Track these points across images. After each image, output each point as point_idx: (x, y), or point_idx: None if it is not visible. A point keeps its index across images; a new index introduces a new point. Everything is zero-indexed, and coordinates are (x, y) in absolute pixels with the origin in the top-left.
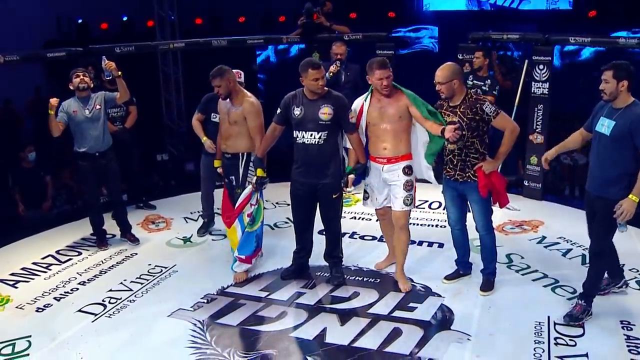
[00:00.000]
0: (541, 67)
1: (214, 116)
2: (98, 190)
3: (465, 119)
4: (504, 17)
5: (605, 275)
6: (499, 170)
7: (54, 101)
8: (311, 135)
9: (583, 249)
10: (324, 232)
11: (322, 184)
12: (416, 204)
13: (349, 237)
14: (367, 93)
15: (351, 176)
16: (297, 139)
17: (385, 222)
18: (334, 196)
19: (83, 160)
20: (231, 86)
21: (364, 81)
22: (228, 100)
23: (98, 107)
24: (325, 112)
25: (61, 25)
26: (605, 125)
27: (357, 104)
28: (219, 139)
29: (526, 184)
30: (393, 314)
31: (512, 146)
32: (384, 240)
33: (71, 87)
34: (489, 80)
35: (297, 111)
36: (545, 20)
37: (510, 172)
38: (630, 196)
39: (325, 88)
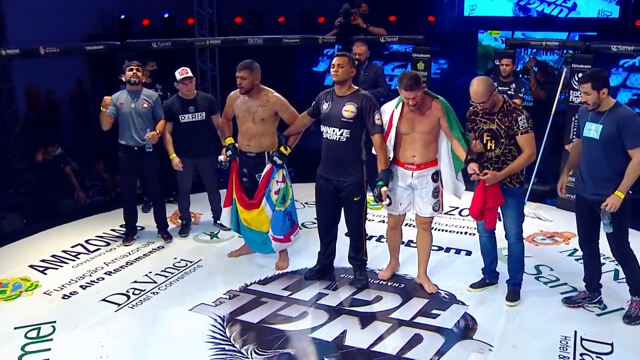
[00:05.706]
0: (580, 75)
1: (183, 117)
2: (134, 183)
3: (503, 127)
4: (548, 24)
5: (583, 288)
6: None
7: (108, 99)
8: (333, 131)
9: (616, 264)
10: (348, 234)
11: (344, 184)
12: (444, 210)
13: (376, 240)
14: (398, 99)
15: (384, 188)
16: (322, 133)
17: (395, 231)
18: (355, 199)
19: (122, 152)
20: (255, 83)
21: (382, 80)
22: (247, 98)
23: (146, 105)
24: (348, 110)
25: (104, 21)
26: (592, 130)
27: (386, 109)
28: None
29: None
30: (415, 320)
31: (518, 169)
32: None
33: (123, 79)
34: (513, 84)
35: (325, 106)
36: (591, 28)
37: (544, 181)
38: (616, 192)
39: (355, 86)
